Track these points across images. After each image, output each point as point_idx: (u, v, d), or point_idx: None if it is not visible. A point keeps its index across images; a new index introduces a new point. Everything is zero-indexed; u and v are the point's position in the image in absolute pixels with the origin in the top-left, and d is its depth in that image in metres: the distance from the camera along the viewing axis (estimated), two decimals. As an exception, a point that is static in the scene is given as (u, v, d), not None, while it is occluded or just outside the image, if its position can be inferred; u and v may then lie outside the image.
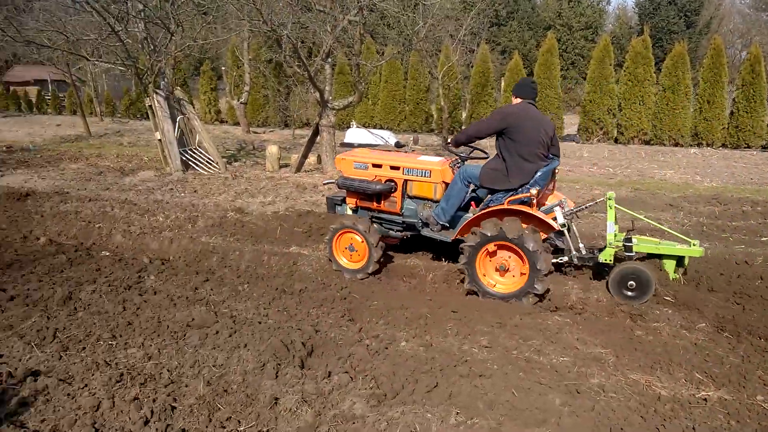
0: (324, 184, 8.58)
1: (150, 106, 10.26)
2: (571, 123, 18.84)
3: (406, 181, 5.43)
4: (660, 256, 4.89)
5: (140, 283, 5.01)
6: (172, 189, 9.36)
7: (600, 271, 5.05)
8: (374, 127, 19.27)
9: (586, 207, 5.31)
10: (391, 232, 5.64)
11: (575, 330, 4.17)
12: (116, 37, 8.82)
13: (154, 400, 3.10)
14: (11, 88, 32.20)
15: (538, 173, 4.75)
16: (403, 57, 18.16)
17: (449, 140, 5.32)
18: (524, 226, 4.59)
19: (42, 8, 11.02)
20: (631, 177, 10.75)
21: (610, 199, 4.90)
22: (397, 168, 5.43)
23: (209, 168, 10.94)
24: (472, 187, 5.14)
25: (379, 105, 20.26)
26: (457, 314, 4.40)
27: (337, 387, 3.29)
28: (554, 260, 4.83)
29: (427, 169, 5.30)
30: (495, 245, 4.69)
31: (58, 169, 11.50)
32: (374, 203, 5.60)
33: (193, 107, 11.78)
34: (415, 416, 2.97)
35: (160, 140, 10.52)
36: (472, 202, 5.27)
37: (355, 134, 15.94)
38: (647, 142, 15.71)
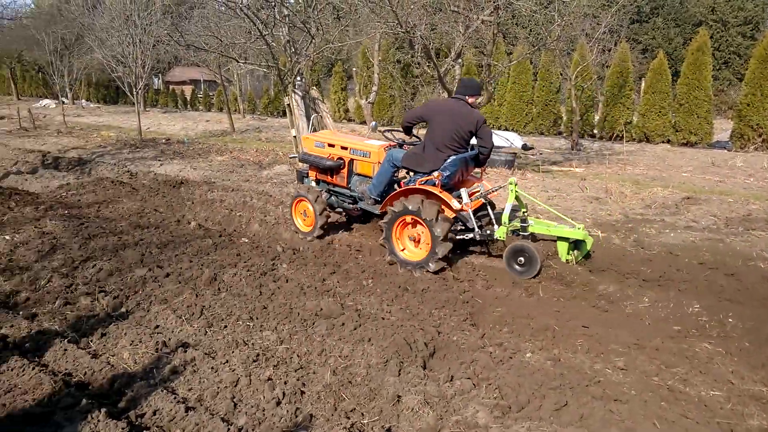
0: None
1: (288, 104, 10.88)
2: (721, 128, 17.19)
3: (352, 160, 6.34)
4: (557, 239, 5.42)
5: (274, 270, 5.33)
6: (304, 183, 9.87)
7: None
8: (498, 129, 18.91)
9: (495, 190, 5.82)
10: (344, 204, 6.56)
11: (729, 361, 3.70)
12: (263, 40, 9.47)
13: (285, 383, 3.31)
14: (170, 87, 35.84)
15: (448, 161, 5.38)
16: (533, 56, 17.63)
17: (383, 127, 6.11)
18: (443, 208, 5.31)
19: (200, 15, 12.12)
20: (798, 191, 9.49)
21: (511, 184, 5.50)
22: (345, 148, 6.38)
23: (338, 164, 11.38)
24: (402, 170, 5.98)
25: (505, 106, 19.82)
26: (588, 330, 4.16)
27: (460, 392, 3.29)
28: (461, 237, 5.56)
29: (368, 151, 6.17)
30: (412, 218, 5.41)
31: (207, 160, 12.60)
32: (328, 177, 6.62)
33: (326, 106, 12.31)
34: (543, 434, 2.85)
35: (294, 137, 11.12)
36: (402, 182, 5.94)
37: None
38: (818, 152, 13.89)
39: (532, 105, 19.31)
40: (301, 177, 7.12)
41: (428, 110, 5.65)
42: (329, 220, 6.54)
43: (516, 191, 5.49)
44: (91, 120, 23.82)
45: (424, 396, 3.20)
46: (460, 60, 9.85)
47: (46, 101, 33.28)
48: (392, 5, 7.60)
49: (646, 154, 14.67)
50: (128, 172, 11.04)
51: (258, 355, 3.64)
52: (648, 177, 11.00)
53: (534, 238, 5.54)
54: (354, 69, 22.25)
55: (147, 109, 30.68)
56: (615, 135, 17.27)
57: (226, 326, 4.15)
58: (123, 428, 2.78)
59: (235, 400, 3.15)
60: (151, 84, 35.32)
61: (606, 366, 3.67)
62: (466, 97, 5.53)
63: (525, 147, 12.69)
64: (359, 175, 6.35)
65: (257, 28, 9.27)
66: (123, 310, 4.45)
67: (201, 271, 5.11)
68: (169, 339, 3.87)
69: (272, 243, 6.39)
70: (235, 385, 3.28)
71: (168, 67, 36.52)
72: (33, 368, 3.35)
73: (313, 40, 9.72)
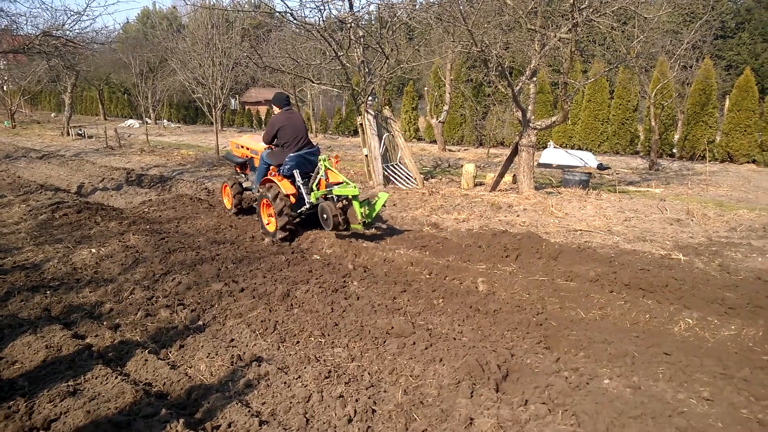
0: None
1: (361, 124, 11.05)
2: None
3: (251, 157, 8.59)
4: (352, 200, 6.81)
5: (345, 288, 5.36)
6: (373, 201, 9.93)
7: None
8: (572, 148, 18.44)
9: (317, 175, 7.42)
10: (253, 189, 8.37)
11: (827, 394, 3.41)
12: (338, 61, 9.69)
13: (356, 400, 3.29)
14: (246, 107, 37.32)
15: (288, 157, 7.30)
16: (610, 74, 17.14)
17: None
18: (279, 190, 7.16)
19: (278, 38, 12.57)
20: None
21: (323, 160, 7.23)
22: (248, 149, 8.74)
23: (408, 183, 11.41)
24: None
25: (579, 125, 19.31)
26: (671, 357, 3.92)
27: (534, 417, 3.16)
28: (301, 211, 7.30)
29: (257, 150, 8.29)
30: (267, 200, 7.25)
31: (279, 178, 12.93)
32: (242, 170, 9.05)
33: (397, 125, 12.41)
34: (623, 465, 2.69)
35: (366, 155, 11.26)
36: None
37: (552, 154, 15.42)
38: None
39: (608, 123, 18.73)
40: (236, 172, 9.35)
41: (276, 125, 7.49)
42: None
43: (326, 165, 7.25)
44: (172, 139, 25.08)
45: (497, 419, 3.10)
46: (534, 78, 9.68)
47: (130, 121, 35.41)
48: (468, 25, 7.58)
49: (729, 174, 13.89)
50: (206, 189, 11.50)
51: (330, 371, 3.65)
52: (732, 198, 10.39)
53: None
54: (425, 88, 22.39)
55: (224, 129, 31.95)
56: (696, 155, 16.46)
57: (298, 342, 4.20)
58: (200, 438, 2.84)
59: (307, 416, 3.16)
60: (228, 104, 36.87)
61: (690, 396, 3.44)
62: (290, 107, 7.75)
63: (600, 167, 12.30)
64: (256, 168, 8.23)
65: (332, 49, 9.50)
66: (200, 323, 4.59)
67: (274, 287, 5.21)
68: (244, 353, 3.95)
69: (343, 260, 6.45)
70: (308, 401, 3.29)
71: (245, 88, 38.06)
72: (116, 377, 3.49)
73: (387, 60, 9.84)
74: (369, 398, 3.33)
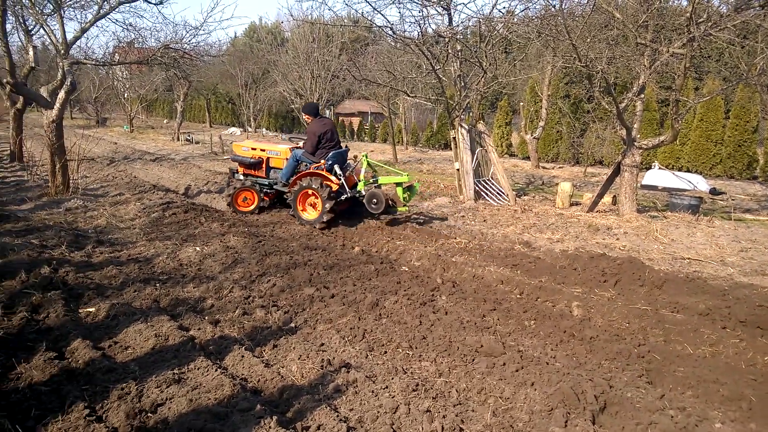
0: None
1: (454, 137, 10.99)
2: None
3: (268, 158, 9.37)
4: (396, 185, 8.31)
5: (433, 302, 5.31)
6: (463, 216, 9.81)
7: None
8: (679, 170, 17.34)
9: (353, 167, 8.86)
10: (264, 189, 9.34)
11: None
12: (434, 74, 9.72)
13: (443, 417, 3.23)
14: (340, 118, 38.35)
15: (330, 155, 8.44)
16: (728, 92, 15.99)
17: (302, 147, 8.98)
18: (327, 182, 8.25)
19: (375, 51, 12.83)
20: None
21: (364, 156, 8.63)
22: (263, 150, 9.42)
23: (499, 199, 11.19)
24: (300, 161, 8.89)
25: (689, 146, 18.13)
26: (795, 406, 3.56)
27: (635, 455, 2.96)
28: (342, 198, 8.34)
29: (279, 151, 9.24)
30: (312, 192, 8.33)
31: (370, 189, 13.10)
32: (252, 171, 9.51)
33: (490, 140, 12.21)
34: None
35: (458, 170, 11.18)
36: (302, 168, 8.78)
37: (657, 176, 14.57)
38: None
39: (722, 145, 17.45)
40: (233, 173, 9.83)
41: (317, 134, 8.51)
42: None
43: (367, 160, 8.63)
44: (271, 147, 26.17)
45: (593, 455, 2.93)
46: (641, 95, 9.21)
47: (233, 129, 37.36)
48: (572, 39, 7.35)
49: None
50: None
51: (417, 384, 3.61)
52: None
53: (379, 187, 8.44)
54: (521, 103, 21.96)
55: (318, 139, 32.83)
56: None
57: (386, 352, 4.20)
58: (290, 439, 2.89)
59: (394, 427, 3.14)
60: (323, 115, 37.92)
61: (821, 453, 3.09)
62: (322, 115, 8.98)
63: (714, 191, 11.49)
64: (273, 168, 9.32)
65: (429, 62, 9.54)
66: (292, 325, 4.72)
67: (364, 296, 5.26)
68: (333, 358, 4.00)
69: (431, 273, 6.40)
70: (394, 412, 3.27)
71: (340, 99, 39.14)
72: (215, 370, 3.65)
73: (485, 75, 9.75)
74: (456, 416, 3.26)
